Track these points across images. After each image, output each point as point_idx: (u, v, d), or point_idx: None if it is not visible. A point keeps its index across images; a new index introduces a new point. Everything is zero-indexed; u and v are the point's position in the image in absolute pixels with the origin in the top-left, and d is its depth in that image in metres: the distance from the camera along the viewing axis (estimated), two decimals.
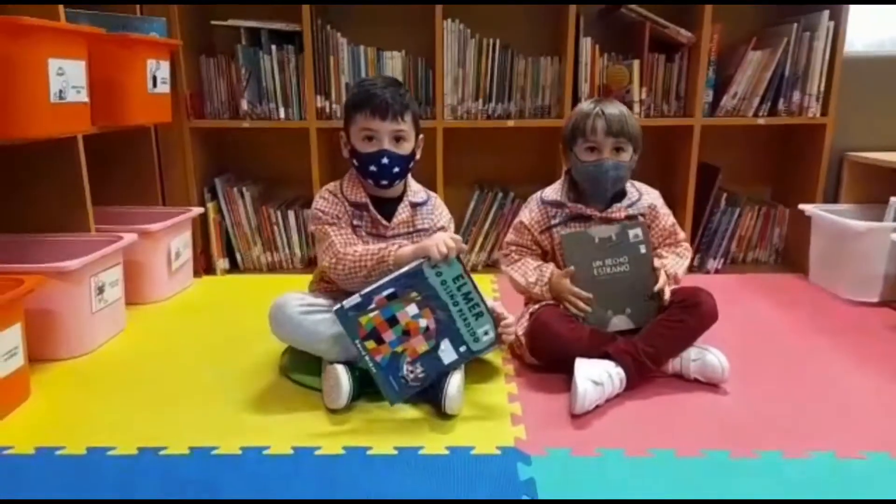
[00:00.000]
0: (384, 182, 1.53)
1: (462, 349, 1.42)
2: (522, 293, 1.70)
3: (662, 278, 1.57)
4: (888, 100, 2.52)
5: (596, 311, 1.57)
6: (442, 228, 1.62)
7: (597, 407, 1.41)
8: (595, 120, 1.57)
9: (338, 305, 1.36)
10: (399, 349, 1.38)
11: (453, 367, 1.41)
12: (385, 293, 1.37)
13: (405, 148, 1.52)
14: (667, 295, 1.56)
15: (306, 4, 2.21)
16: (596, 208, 1.64)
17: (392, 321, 1.38)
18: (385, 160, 1.49)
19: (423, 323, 1.39)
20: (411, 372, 1.39)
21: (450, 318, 1.41)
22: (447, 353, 1.41)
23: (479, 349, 1.44)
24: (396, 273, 1.39)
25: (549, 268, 1.62)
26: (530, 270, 1.64)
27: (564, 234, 1.58)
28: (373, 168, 1.50)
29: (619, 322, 1.59)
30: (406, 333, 1.39)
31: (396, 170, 1.52)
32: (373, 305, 1.36)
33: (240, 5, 2.40)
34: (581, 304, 1.55)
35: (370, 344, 1.37)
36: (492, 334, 1.44)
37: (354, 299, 1.36)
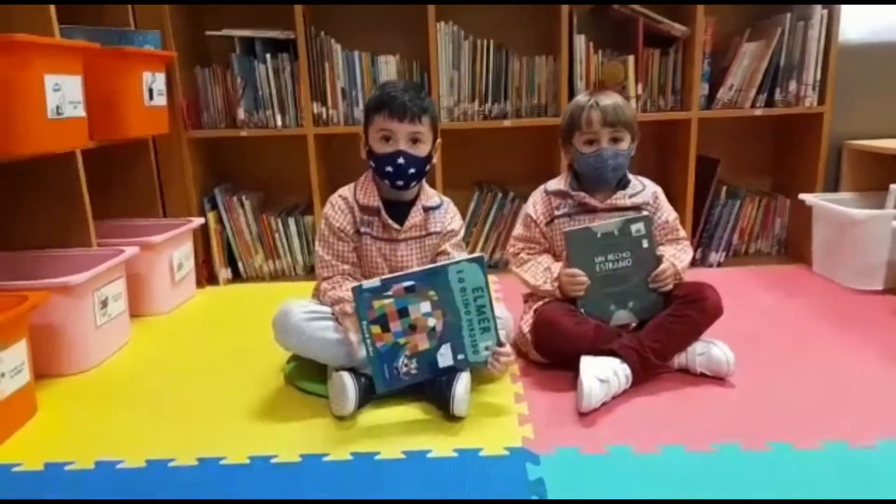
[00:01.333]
0: (400, 182, 1.53)
1: (460, 357, 1.43)
2: (533, 291, 1.69)
3: (665, 264, 1.56)
4: (885, 87, 2.51)
5: (599, 306, 1.57)
6: (451, 231, 1.63)
7: (603, 404, 1.40)
8: (590, 112, 1.58)
9: (357, 283, 1.38)
10: (402, 341, 1.39)
11: (445, 371, 1.42)
12: (405, 284, 1.38)
13: (422, 150, 1.53)
14: (669, 285, 1.56)
15: (300, 11, 2.22)
16: (600, 198, 1.64)
17: (403, 312, 1.39)
18: (401, 160, 1.50)
19: (431, 322, 1.40)
20: (406, 366, 1.40)
21: (458, 324, 1.41)
22: (445, 357, 1.42)
23: (475, 360, 1.45)
24: (421, 268, 1.42)
25: (558, 266, 1.62)
26: (540, 272, 1.63)
27: (566, 232, 1.58)
28: (388, 168, 1.51)
29: (623, 316, 1.58)
30: (413, 328, 1.40)
31: (412, 171, 1.52)
32: (390, 293, 1.38)
33: (233, 15, 2.41)
34: (578, 281, 1.54)
35: (376, 329, 1.38)
36: (489, 351, 1.44)
37: (374, 282, 1.38)
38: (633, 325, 1.59)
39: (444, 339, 1.41)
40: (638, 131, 1.64)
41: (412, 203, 1.60)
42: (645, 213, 1.61)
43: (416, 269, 1.41)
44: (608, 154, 1.58)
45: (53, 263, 1.81)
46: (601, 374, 1.41)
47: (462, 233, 1.67)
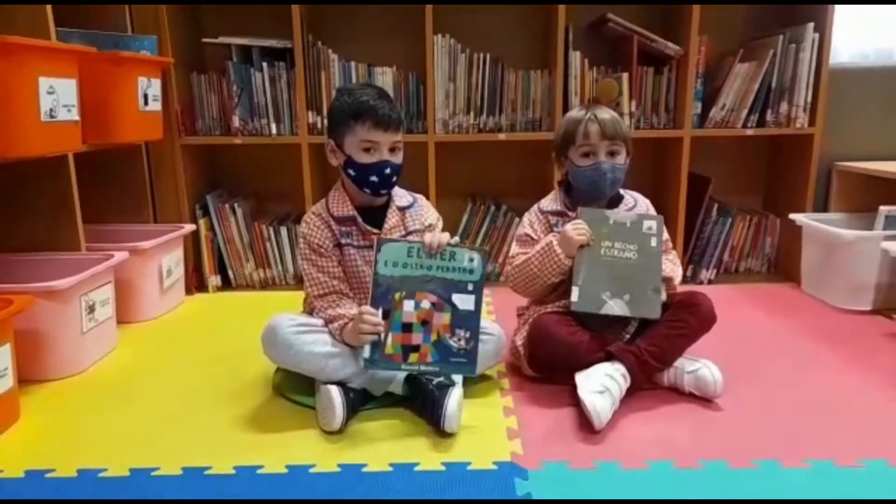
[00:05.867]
0: (383, 191, 1.54)
1: (469, 287, 1.45)
2: (533, 280, 1.60)
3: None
4: (875, 110, 2.55)
5: (594, 291, 1.53)
6: (430, 227, 1.61)
7: (615, 413, 1.40)
8: (588, 125, 1.58)
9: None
10: (433, 336, 1.43)
11: (479, 308, 1.45)
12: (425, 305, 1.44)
13: (399, 157, 1.54)
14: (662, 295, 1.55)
15: (298, 20, 2.22)
16: None
17: (406, 328, 1.42)
18: (387, 170, 1.50)
19: (426, 304, 1.43)
20: (457, 340, 1.44)
21: (440, 279, 1.44)
22: (464, 300, 1.45)
23: (479, 276, 1.46)
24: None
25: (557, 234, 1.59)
26: (539, 246, 1.59)
27: (581, 209, 1.56)
28: (374, 178, 1.51)
29: (614, 306, 1.52)
30: (426, 323, 1.43)
31: (394, 179, 1.54)
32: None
33: (231, 22, 2.42)
34: (582, 229, 1.53)
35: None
36: (475, 255, 1.46)
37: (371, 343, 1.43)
38: (627, 321, 1.57)
39: (448, 297, 1.44)
40: (632, 148, 1.64)
41: (385, 206, 1.59)
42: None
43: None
44: (606, 167, 1.57)
45: (41, 267, 1.79)
46: (596, 386, 1.40)
47: (440, 225, 1.64)
